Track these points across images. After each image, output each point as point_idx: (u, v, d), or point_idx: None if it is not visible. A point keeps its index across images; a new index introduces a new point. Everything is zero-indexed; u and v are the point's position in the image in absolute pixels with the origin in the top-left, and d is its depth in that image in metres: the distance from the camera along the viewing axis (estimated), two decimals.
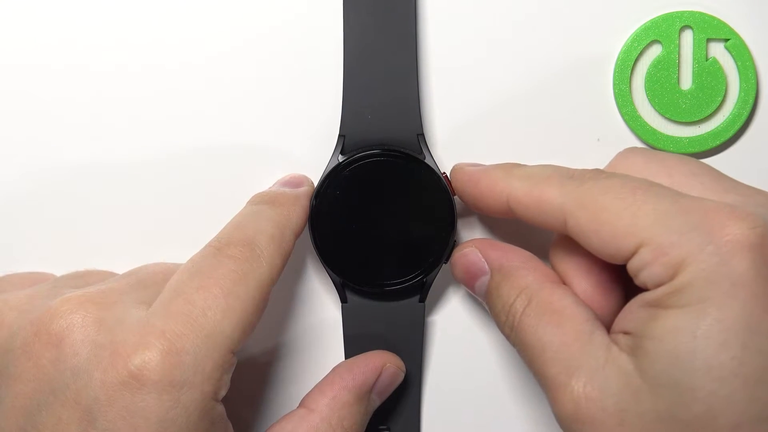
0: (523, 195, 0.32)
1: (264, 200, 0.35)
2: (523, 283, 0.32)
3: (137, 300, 0.31)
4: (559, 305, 0.31)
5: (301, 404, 0.34)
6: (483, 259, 0.34)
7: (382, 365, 0.35)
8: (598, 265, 0.32)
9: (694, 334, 0.27)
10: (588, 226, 0.30)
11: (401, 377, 0.36)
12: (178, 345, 0.29)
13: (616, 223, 0.29)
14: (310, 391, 0.35)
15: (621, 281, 0.32)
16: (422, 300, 0.37)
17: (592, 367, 0.29)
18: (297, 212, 0.34)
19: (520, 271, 0.33)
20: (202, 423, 0.29)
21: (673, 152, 0.38)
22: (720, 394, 0.26)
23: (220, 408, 0.30)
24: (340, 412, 0.34)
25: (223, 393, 0.30)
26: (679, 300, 0.27)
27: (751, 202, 0.30)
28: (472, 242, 0.35)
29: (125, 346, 0.29)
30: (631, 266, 0.29)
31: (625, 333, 0.29)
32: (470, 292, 0.35)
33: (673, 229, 0.28)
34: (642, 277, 0.29)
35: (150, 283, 0.32)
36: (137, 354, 0.29)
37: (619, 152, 0.34)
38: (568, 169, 0.32)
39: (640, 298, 0.29)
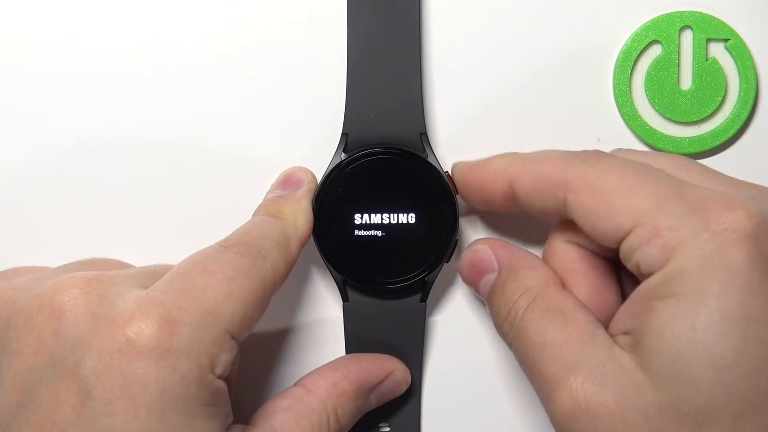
0: (525, 174, 0.32)
1: (270, 212, 0.35)
2: (529, 283, 0.32)
3: (142, 285, 0.31)
4: (563, 305, 0.31)
5: (299, 383, 0.34)
6: (493, 257, 0.34)
7: (390, 370, 0.35)
8: (594, 267, 0.32)
9: (693, 325, 0.27)
10: (587, 203, 0.30)
11: (404, 388, 0.36)
12: (176, 315, 0.29)
13: (615, 200, 0.29)
14: (311, 372, 0.35)
15: (617, 282, 0.33)
16: (424, 300, 0.37)
17: (592, 365, 0.29)
18: (302, 220, 0.35)
19: (528, 271, 0.33)
20: (200, 395, 0.29)
21: (671, 152, 0.38)
22: (723, 384, 0.27)
23: (220, 384, 0.30)
24: (337, 400, 0.34)
25: (220, 370, 0.30)
26: (674, 288, 0.27)
27: (744, 194, 0.30)
28: (483, 240, 0.35)
29: (123, 314, 0.29)
30: (625, 246, 0.29)
31: (625, 333, 0.29)
32: (472, 289, 0.35)
33: (671, 211, 0.28)
34: (635, 259, 0.29)
35: (159, 274, 0.32)
36: (134, 321, 0.29)
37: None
38: (571, 151, 0.32)
39: (636, 293, 0.29)
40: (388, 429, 0.37)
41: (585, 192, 0.30)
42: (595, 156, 0.31)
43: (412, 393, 0.37)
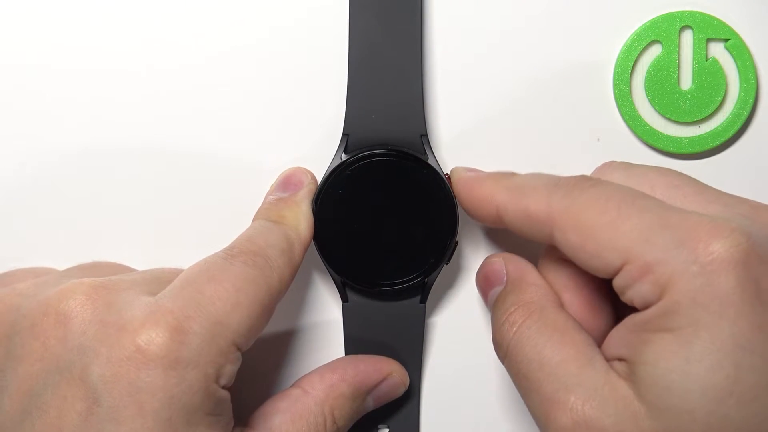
0: (511, 207, 0.32)
1: (271, 217, 0.35)
2: (528, 298, 0.32)
3: (149, 291, 0.31)
4: (561, 325, 0.31)
5: (297, 384, 0.34)
6: (504, 270, 0.34)
7: (388, 372, 0.35)
8: (587, 284, 0.32)
9: (687, 358, 0.27)
10: (573, 240, 0.30)
11: (401, 391, 0.36)
12: (186, 325, 0.29)
13: (600, 238, 0.29)
14: (309, 373, 0.35)
15: (610, 300, 0.32)
16: (423, 301, 0.37)
17: (591, 387, 0.29)
18: (304, 225, 0.35)
19: (530, 287, 0.33)
20: (205, 404, 0.29)
21: (672, 152, 0.38)
22: (717, 414, 0.27)
23: (224, 393, 0.30)
24: (334, 401, 0.34)
25: (224, 381, 0.30)
26: (668, 323, 0.28)
27: (734, 214, 0.30)
28: (500, 254, 0.35)
29: (133, 322, 0.29)
30: (617, 283, 0.29)
31: (620, 360, 0.29)
32: (484, 301, 0.35)
33: (658, 245, 0.28)
34: (629, 295, 0.29)
35: (164, 280, 0.32)
36: (144, 330, 0.29)
37: (597, 168, 0.34)
38: (555, 179, 0.32)
39: (630, 321, 0.29)
40: (387, 431, 0.37)
41: (570, 229, 0.30)
42: (578, 186, 0.31)
43: (411, 394, 0.37)
